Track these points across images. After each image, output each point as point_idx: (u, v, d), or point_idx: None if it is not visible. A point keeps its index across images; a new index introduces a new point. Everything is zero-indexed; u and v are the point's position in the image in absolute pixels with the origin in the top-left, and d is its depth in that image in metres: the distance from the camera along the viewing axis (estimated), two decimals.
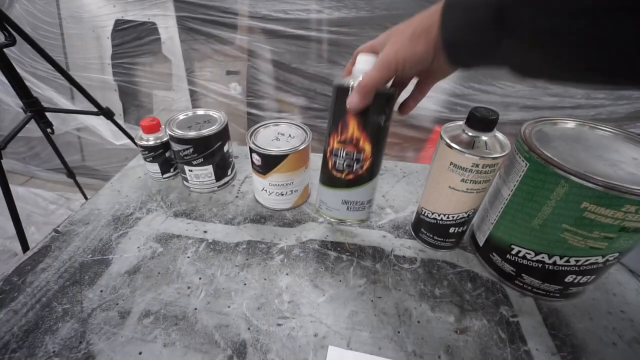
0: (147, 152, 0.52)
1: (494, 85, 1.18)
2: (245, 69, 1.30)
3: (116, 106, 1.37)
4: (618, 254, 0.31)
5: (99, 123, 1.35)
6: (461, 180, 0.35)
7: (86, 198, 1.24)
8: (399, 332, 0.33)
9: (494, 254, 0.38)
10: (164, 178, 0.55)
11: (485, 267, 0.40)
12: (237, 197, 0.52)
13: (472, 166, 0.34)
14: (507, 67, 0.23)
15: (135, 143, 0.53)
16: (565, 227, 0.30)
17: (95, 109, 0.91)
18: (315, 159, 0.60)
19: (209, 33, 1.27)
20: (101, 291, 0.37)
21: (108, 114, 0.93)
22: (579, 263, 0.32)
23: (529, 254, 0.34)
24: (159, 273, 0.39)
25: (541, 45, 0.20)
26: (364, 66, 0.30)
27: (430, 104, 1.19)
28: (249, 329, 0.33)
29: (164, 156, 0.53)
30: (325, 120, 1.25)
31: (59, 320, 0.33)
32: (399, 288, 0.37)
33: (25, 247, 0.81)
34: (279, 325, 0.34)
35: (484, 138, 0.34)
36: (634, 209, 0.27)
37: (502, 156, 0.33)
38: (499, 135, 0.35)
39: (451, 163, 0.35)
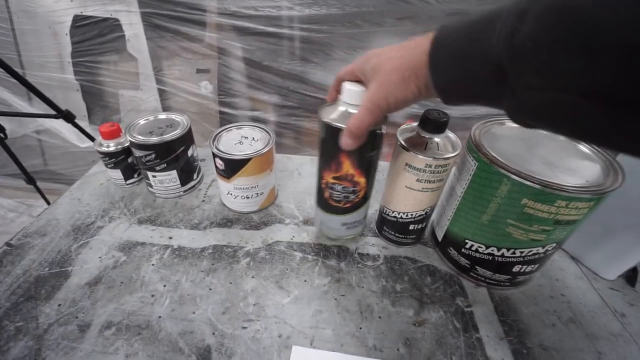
0: (107, 159, 0.50)
1: None
2: (216, 67, 1.27)
3: (79, 107, 1.30)
4: (555, 244, 0.33)
5: (61, 125, 1.28)
6: (416, 180, 0.37)
7: (49, 204, 1.18)
8: (360, 328, 0.34)
9: (450, 248, 0.40)
10: (127, 184, 0.53)
11: (443, 261, 0.42)
12: (203, 201, 0.51)
13: (426, 167, 0.35)
14: (507, 116, 0.21)
15: None
16: (510, 222, 0.33)
17: (53, 112, 0.87)
18: (283, 160, 0.61)
19: (177, 30, 1.23)
20: (59, 305, 0.36)
21: (68, 117, 0.88)
22: (523, 254, 0.34)
23: (481, 247, 0.37)
24: (121, 283, 0.39)
25: (545, 115, 0.18)
26: (351, 99, 0.31)
27: None
28: (213, 333, 0.34)
29: (126, 162, 0.51)
30: (299, 118, 1.24)
31: (11, 340, 0.32)
32: (362, 285, 0.39)
33: None
34: (244, 328, 0.34)
35: (437, 139, 0.36)
36: (564, 204, 0.29)
37: (453, 156, 0.35)
38: (451, 135, 0.37)
39: (406, 164, 0.36)
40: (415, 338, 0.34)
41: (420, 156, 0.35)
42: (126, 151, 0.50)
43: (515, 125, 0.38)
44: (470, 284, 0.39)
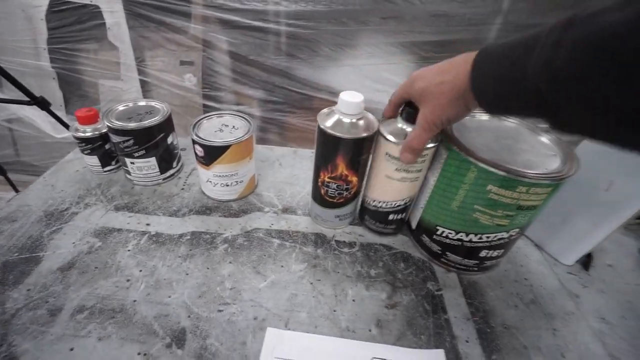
0: (84, 144, 0.49)
1: None
2: (200, 60, 1.25)
3: (56, 96, 1.25)
4: (518, 229, 0.36)
5: (35, 114, 1.23)
6: (395, 170, 0.38)
7: None
8: (335, 311, 0.35)
9: (423, 235, 0.42)
10: (105, 171, 0.52)
11: (417, 247, 0.44)
12: (183, 189, 0.51)
13: None
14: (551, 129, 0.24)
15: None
16: (477, 207, 0.35)
17: (26, 98, 0.83)
18: (264, 151, 0.61)
19: (161, 20, 1.21)
20: (28, 290, 0.35)
21: (43, 104, 0.85)
22: (489, 239, 0.36)
23: (451, 233, 0.38)
24: (96, 267, 0.38)
25: (584, 132, 0.21)
26: (346, 109, 0.35)
27: (384, 98, 1.23)
28: (189, 316, 0.34)
29: (103, 148, 0.50)
30: (284, 113, 1.25)
31: None
32: (337, 270, 0.40)
33: None
34: (220, 311, 0.35)
35: None
36: (525, 190, 0.31)
37: (431, 147, 0.36)
38: None
39: (386, 153, 0.37)
40: (387, 320, 0.35)
41: (399, 145, 0.36)
42: (103, 137, 0.50)
43: (484, 117, 0.40)
44: (441, 270, 0.41)
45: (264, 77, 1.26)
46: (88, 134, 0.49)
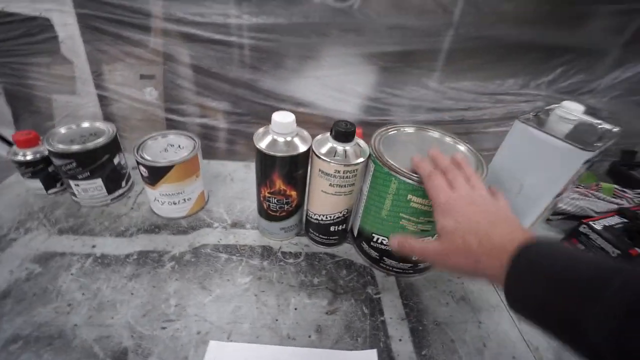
0: (24, 168, 0.48)
1: (403, 89, 1.32)
2: (162, 73, 1.24)
3: (3, 112, 1.19)
4: None
5: None
6: (329, 185, 0.40)
7: None
8: (277, 320, 0.37)
9: (363, 242, 0.45)
10: (49, 194, 0.51)
11: (359, 254, 0.46)
12: (132, 208, 0.51)
13: (335, 172, 0.39)
14: None
15: None
16: (402, 216, 0.38)
17: None
18: (216, 166, 0.62)
19: (118, 34, 1.19)
20: None
21: None
22: None
23: (385, 240, 0.41)
24: (34, 294, 0.38)
25: None
26: (279, 129, 0.38)
27: (347, 107, 1.28)
28: (132, 336, 0.34)
29: (46, 171, 0.50)
30: (250, 125, 1.25)
31: None
32: (281, 281, 0.42)
33: None
34: (163, 328, 0.35)
35: (347, 147, 0.40)
36: None
37: (359, 163, 0.39)
38: (361, 143, 0.41)
39: (319, 170, 0.40)
40: (327, 325, 0.37)
41: (330, 163, 0.38)
42: (45, 160, 0.49)
43: (409, 129, 0.44)
44: (381, 274, 0.44)
45: (227, 90, 1.26)
46: (29, 158, 0.48)
